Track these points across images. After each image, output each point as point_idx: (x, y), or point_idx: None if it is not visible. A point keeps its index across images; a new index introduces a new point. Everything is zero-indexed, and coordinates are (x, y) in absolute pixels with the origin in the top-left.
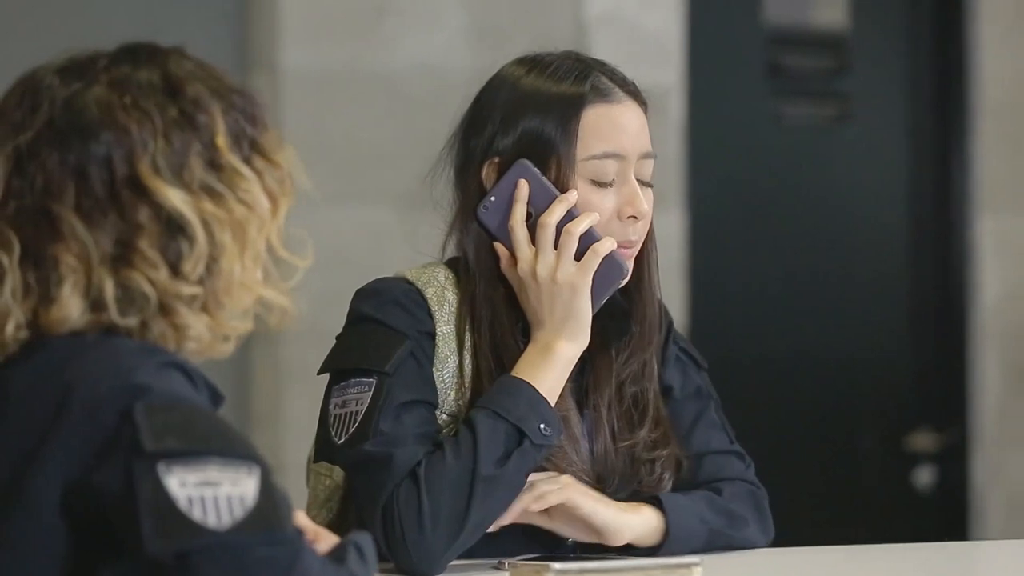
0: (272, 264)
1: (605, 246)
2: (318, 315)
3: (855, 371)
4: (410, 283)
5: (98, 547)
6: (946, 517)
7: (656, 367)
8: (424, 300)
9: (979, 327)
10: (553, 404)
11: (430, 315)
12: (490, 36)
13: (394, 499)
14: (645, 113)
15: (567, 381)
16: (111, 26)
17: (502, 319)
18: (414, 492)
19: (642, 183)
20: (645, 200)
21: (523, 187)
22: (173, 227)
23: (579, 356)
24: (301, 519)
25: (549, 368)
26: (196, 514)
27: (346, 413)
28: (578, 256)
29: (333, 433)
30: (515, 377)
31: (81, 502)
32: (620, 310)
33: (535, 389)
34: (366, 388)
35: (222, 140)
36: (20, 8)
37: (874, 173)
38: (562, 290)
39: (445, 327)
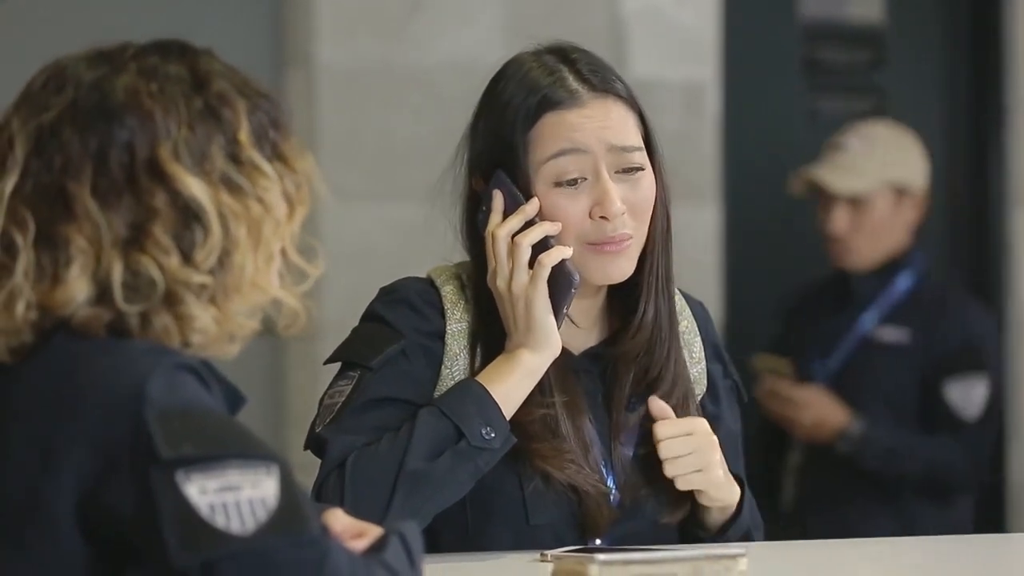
0: (285, 270)
1: (551, 256)
2: (352, 311)
3: None
4: (429, 282)
5: (120, 555)
6: (984, 511)
7: (681, 372)
8: (439, 298)
9: (1015, 321)
10: (509, 412)
11: (442, 314)
12: (524, 32)
13: (324, 486)
14: (629, 106)
15: (582, 384)
16: (147, 23)
17: (497, 321)
18: (339, 481)
19: (625, 171)
20: (634, 189)
21: (498, 198)
22: (189, 215)
23: (548, 365)
24: (342, 517)
25: (508, 374)
26: (219, 521)
27: (332, 404)
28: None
29: (316, 421)
30: (471, 379)
31: (96, 512)
32: (632, 310)
33: (487, 391)
34: (350, 381)
35: (245, 136)
36: (54, 6)
37: None
38: (518, 300)
39: (456, 325)
